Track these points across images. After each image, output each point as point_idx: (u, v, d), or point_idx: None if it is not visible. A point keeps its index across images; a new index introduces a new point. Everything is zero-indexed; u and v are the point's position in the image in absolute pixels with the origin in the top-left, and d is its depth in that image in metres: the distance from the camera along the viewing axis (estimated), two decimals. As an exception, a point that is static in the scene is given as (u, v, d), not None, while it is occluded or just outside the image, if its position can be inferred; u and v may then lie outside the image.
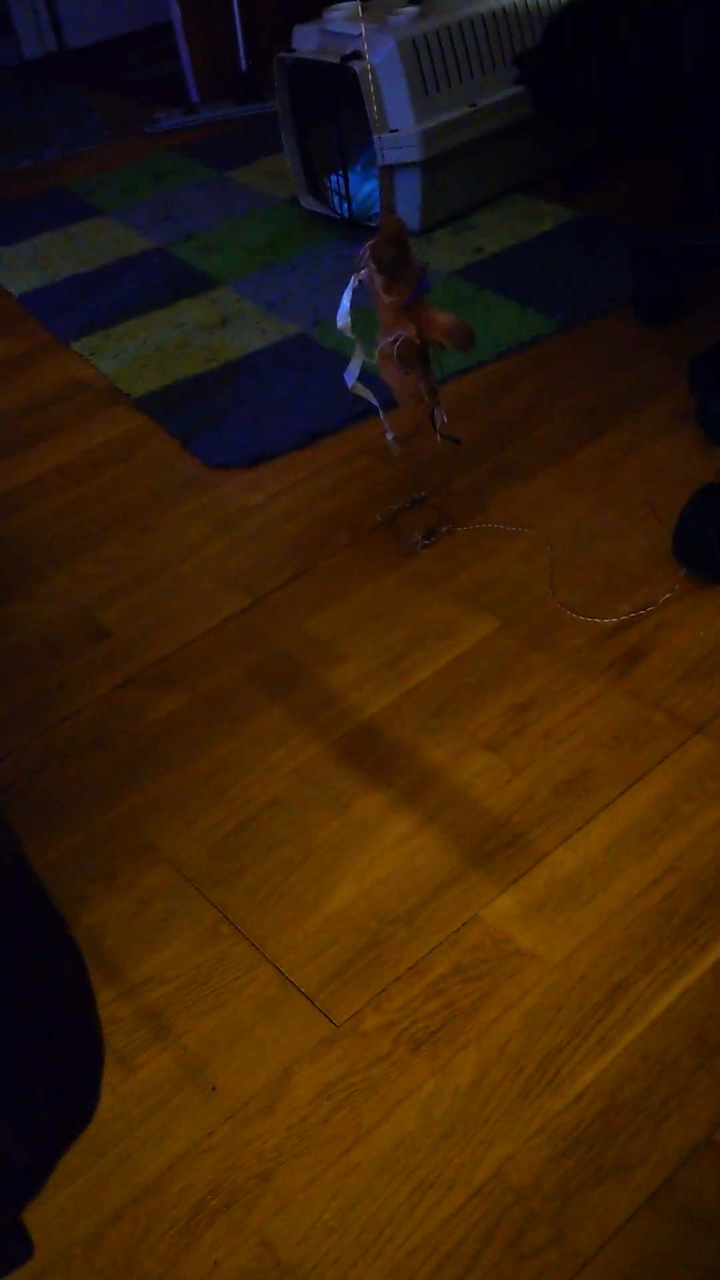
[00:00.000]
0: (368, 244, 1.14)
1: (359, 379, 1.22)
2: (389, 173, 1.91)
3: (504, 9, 1.90)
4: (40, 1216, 0.79)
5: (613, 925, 0.89)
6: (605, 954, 0.87)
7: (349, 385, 1.20)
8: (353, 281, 1.15)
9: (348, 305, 1.16)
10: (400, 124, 1.85)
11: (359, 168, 2.04)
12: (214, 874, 0.99)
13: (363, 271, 1.14)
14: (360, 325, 1.19)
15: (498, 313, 1.70)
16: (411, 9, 1.86)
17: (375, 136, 1.85)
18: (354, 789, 1.04)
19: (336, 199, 2.04)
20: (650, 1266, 0.72)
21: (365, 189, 2.04)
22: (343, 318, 1.17)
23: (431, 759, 1.05)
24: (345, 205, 2.03)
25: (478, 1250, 0.73)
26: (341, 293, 1.17)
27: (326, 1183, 0.78)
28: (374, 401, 1.24)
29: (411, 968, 0.89)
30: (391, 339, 1.16)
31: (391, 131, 1.85)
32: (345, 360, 1.24)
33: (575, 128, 1.76)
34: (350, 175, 2.02)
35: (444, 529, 1.31)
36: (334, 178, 2.04)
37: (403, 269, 1.13)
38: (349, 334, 1.17)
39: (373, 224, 1.96)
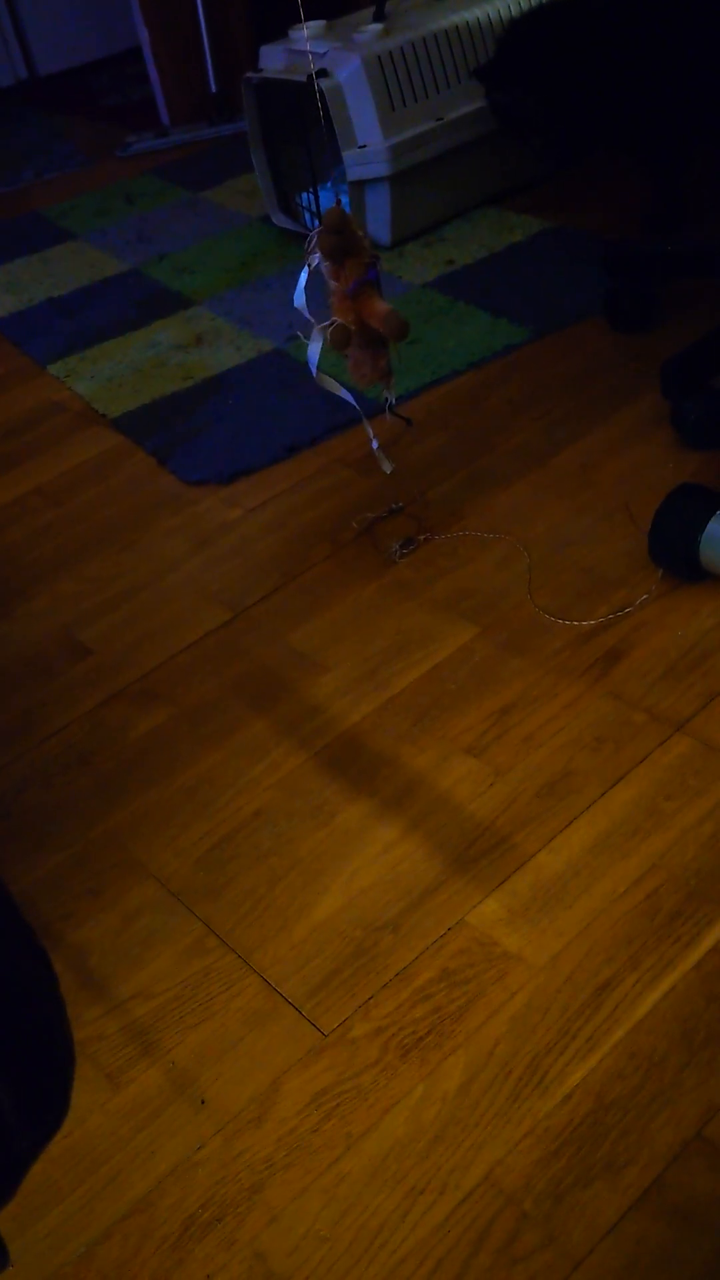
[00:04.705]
0: (314, 232, 1.16)
1: (331, 378, 1.23)
2: (358, 188, 1.93)
3: (467, 23, 1.92)
4: (30, 1236, 0.78)
5: (597, 925, 0.89)
6: (591, 954, 0.87)
7: (312, 370, 1.21)
8: (306, 265, 1.18)
9: (302, 284, 1.20)
10: (368, 140, 1.87)
11: (329, 184, 2.05)
12: (199, 888, 0.99)
13: (314, 258, 1.17)
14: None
15: (470, 323, 1.71)
16: (375, 26, 1.88)
17: (343, 153, 1.87)
18: (337, 799, 1.04)
19: (308, 216, 2.05)
20: (642, 1266, 0.72)
21: (336, 205, 2.05)
22: (298, 297, 1.21)
23: (414, 766, 1.05)
24: (316, 222, 2.04)
25: (470, 1255, 0.73)
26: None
27: (317, 1192, 0.78)
28: (344, 395, 1.24)
29: (398, 974, 0.89)
30: (327, 324, 1.18)
31: (360, 147, 1.87)
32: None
33: (537, 140, 1.77)
34: (321, 192, 2.03)
35: (422, 538, 1.32)
36: (305, 195, 2.05)
37: (348, 257, 1.15)
38: (305, 314, 1.20)
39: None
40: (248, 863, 1.00)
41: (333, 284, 1.19)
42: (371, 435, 1.29)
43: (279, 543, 1.37)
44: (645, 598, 1.17)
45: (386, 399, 1.26)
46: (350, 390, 1.25)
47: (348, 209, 1.96)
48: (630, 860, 0.93)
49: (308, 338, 1.20)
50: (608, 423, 1.45)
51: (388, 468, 1.30)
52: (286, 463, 1.51)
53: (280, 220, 2.11)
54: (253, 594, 1.30)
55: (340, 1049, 0.85)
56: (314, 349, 1.20)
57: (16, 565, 1.43)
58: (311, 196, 2.03)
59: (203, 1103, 0.84)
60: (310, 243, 1.17)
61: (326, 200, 2.04)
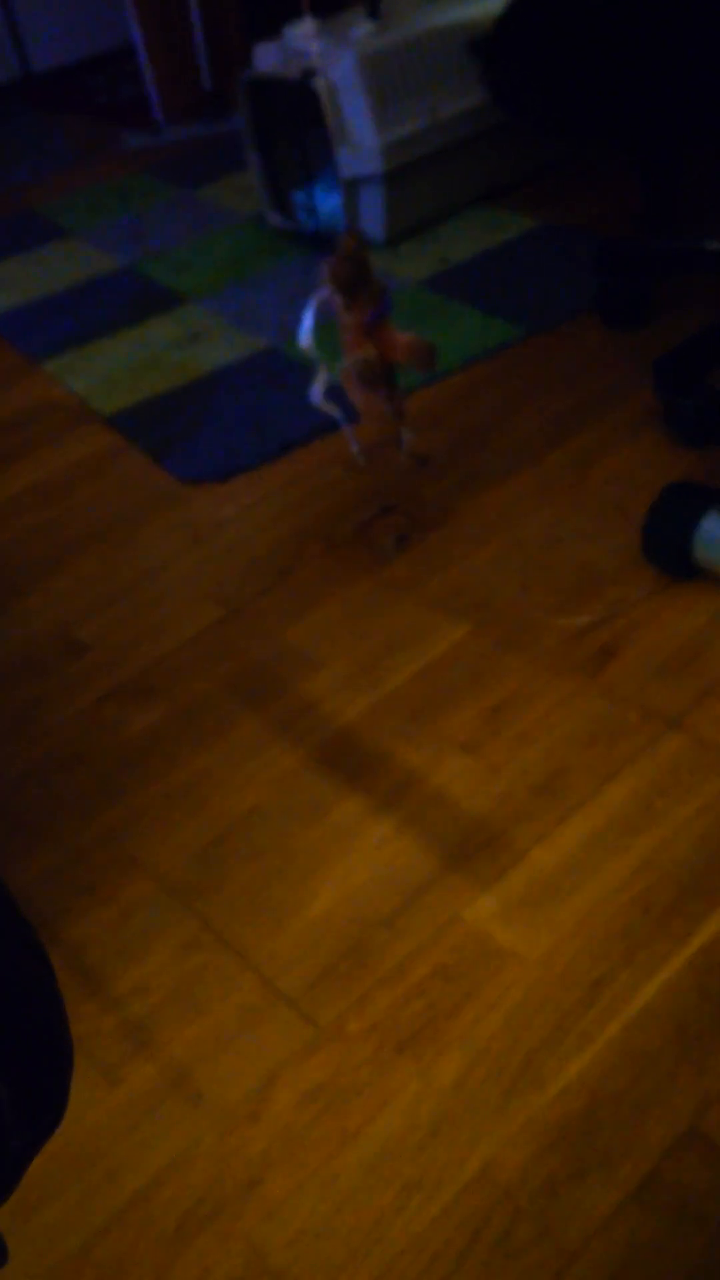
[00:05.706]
0: (325, 262, 1.13)
1: (327, 396, 1.21)
2: (352, 187, 1.93)
3: (462, 22, 1.92)
4: (27, 1232, 0.78)
5: (592, 921, 0.90)
6: (585, 950, 0.88)
7: (314, 403, 1.19)
8: (313, 300, 1.14)
9: (309, 324, 1.15)
10: (361, 138, 1.87)
11: (324, 183, 2.05)
12: (195, 884, 0.99)
13: (323, 290, 1.14)
14: (331, 345, 1.19)
15: (463, 321, 1.72)
16: (370, 23, 1.88)
17: (336, 151, 1.87)
18: (332, 795, 1.04)
19: (302, 214, 2.05)
20: (637, 1260, 0.72)
21: (330, 204, 2.05)
22: (304, 337, 1.16)
23: (408, 763, 1.06)
24: (311, 220, 2.04)
25: (465, 1249, 0.74)
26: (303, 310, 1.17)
27: (313, 1187, 0.78)
28: (337, 416, 1.24)
29: (394, 970, 0.89)
30: (355, 360, 1.16)
31: (353, 146, 1.87)
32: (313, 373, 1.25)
33: (535, 119, 1.76)
34: (315, 190, 2.03)
35: (416, 536, 1.32)
36: (299, 193, 2.05)
37: (362, 288, 1.13)
38: (311, 353, 1.16)
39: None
40: (243, 859, 1.00)
41: (347, 318, 1.15)
42: (352, 438, 1.29)
43: (273, 540, 1.37)
44: (639, 595, 1.18)
45: (406, 438, 1.24)
46: (345, 407, 1.23)
47: (341, 209, 1.97)
48: (624, 856, 0.94)
49: (316, 380, 1.16)
50: (601, 420, 1.45)
51: (361, 462, 1.30)
52: (280, 461, 1.51)
53: (275, 219, 2.11)
54: (247, 591, 1.30)
55: (336, 1045, 0.85)
56: (319, 385, 1.18)
57: (11, 563, 1.43)
58: (306, 195, 2.03)
59: (199, 1098, 0.84)
60: (321, 274, 1.14)
61: (321, 199, 2.04)
